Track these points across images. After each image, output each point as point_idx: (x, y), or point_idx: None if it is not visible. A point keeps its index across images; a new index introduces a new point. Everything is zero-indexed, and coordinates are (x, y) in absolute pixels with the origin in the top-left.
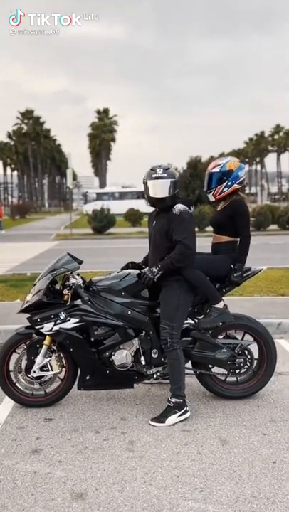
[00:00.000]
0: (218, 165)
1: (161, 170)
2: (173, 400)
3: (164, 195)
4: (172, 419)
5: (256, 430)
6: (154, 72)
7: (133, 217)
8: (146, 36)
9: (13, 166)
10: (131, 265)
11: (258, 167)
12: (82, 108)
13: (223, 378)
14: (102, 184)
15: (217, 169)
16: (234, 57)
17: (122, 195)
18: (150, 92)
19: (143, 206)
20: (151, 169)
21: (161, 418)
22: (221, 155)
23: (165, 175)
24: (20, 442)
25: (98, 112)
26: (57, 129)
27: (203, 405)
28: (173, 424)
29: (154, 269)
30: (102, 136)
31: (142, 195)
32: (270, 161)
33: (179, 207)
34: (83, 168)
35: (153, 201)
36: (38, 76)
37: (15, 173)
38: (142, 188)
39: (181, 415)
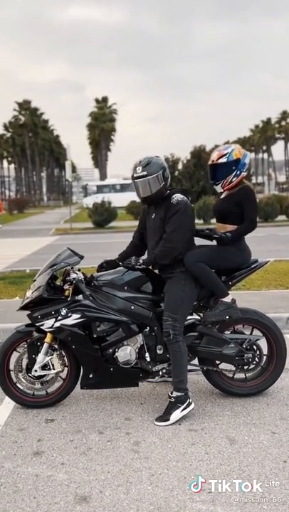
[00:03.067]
0: (224, 155)
1: (140, 168)
2: (174, 394)
3: (147, 194)
4: (176, 414)
5: (266, 429)
6: (157, 58)
7: (135, 210)
8: (148, 20)
9: (10, 158)
10: (105, 265)
11: (265, 155)
12: (81, 97)
13: (231, 375)
14: (103, 176)
15: (224, 159)
16: (240, 41)
17: (124, 188)
18: (152, 79)
19: None
20: (134, 167)
21: (165, 416)
22: (226, 143)
23: (144, 173)
24: (21, 444)
25: (97, 101)
26: (55, 119)
27: (210, 403)
28: (179, 424)
29: (140, 261)
30: (101, 126)
31: None
32: (278, 149)
33: (178, 196)
34: (83, 160)
35: (141, 200)
36: (35, 64)
37: (12, 166)
38: None
39: (184, 409)
